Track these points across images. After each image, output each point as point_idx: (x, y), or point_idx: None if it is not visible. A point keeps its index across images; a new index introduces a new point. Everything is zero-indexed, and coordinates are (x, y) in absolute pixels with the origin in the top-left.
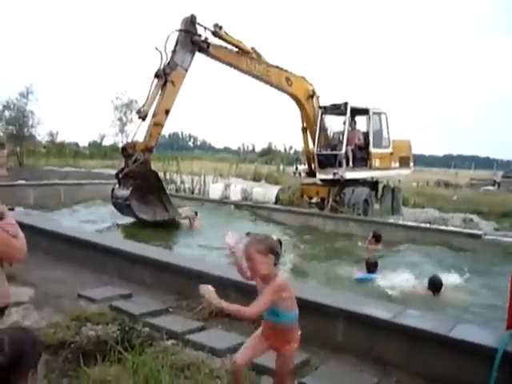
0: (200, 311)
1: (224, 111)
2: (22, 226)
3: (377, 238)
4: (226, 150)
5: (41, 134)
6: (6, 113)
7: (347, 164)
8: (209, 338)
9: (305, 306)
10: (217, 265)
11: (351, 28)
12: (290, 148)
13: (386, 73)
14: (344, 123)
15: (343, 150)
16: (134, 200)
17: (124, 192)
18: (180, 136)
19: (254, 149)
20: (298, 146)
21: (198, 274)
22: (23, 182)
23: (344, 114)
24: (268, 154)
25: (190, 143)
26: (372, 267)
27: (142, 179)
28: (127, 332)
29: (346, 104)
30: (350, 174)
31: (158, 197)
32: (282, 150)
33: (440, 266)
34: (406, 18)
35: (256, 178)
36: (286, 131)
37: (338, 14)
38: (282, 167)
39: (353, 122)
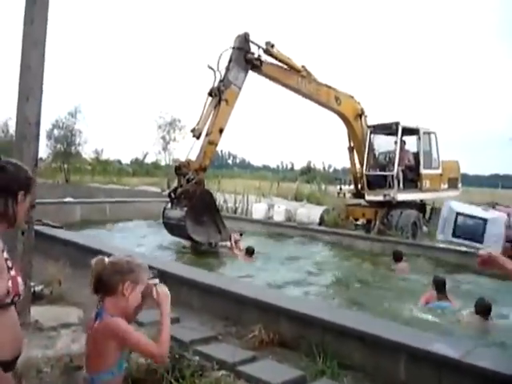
0: (250, 339)
1: (262, 129)
2: (70, 243)
3: (397, 258)
4: (265, 167)
5: (87, 151)
6: (55, 131)
7: (398, 185)
8: (261, 370)
9: (363, 339)
10: (266, 290)
11: (389, 45)
12: (329, 167)
13: (424, 88)
14: (395, 143)
15: (395, 171)
16: (189, 221)
17: (178, 212)
18: (220, 154)
19: (292, 167)
20: (338, 164)
21: (245, 300)
22: (71, 199)
23: (394, 133)
24: (308, 172)
25: (230, 161)
26: (441, 287)
27: (197, 199)
28: (178, 360)
29: (397, 124)
30: (401, 196)
31: (212, 218)
32: (321, 169)
33: (491, 293)
34: (447, 32)
35: (297, 198)
36: (324, 149)
37: (382, 34)
38: (323, 187)
39: (402, 142)
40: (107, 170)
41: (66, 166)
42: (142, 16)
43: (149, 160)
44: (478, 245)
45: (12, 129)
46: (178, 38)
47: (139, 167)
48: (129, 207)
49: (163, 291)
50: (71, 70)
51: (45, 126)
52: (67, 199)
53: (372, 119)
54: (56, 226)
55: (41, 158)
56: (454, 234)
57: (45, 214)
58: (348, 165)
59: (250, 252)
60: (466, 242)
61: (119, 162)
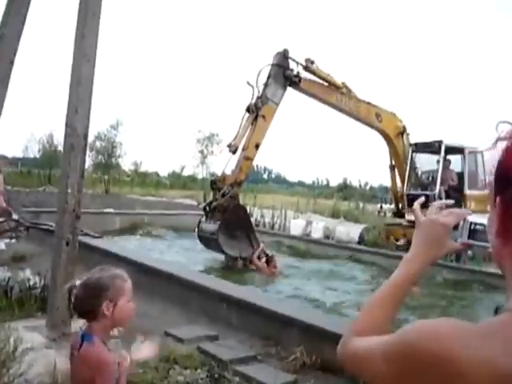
0: (291, 362)
1: (298, 144)
2: (107, 254)
3: None
4: (300, 183)
5: (126, 163)
6: (97, 143)
7: None
8: None
9: None
10: (309, 310)
11: (439, 60)
12: (366, 184)
13: (480, 105)
14: (437, 162)
15: (436, 191)
16: (222, 235)
17: (212, 226)
18: (255, 169)
19: (328, 183)
20: (374, 182)
21: (287, 319)
22: (111, 210)
23: (437, 152)
24: (344, 189)
25: (265, 176)
26: None
27: (231, 214)
28: (217, 380)
29: (440, 142)
30: None
31: (246, 233)
32: (358, 186)
33: None
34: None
35: (334, 215)
36: (360, 166)
37: (428, 49)
38: (361, 205)
39: (446, 162)
40: (145, 182)
41: (106, 177)
42: (183, 31)
43: (186, 173)
44: (486, 244)
45: (57, 140)
46: (218, 53)
47: (177, 180)
48: (166, 219)
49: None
50: (113, 83)
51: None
52: (107, 210)
53: (417, 137)
54: (96, 235)
55: None
56: (469, 237)
57: (85, 224)
58: (386, 183)
59: (269, 261)
60: (479, 243)
61: (157, 174)
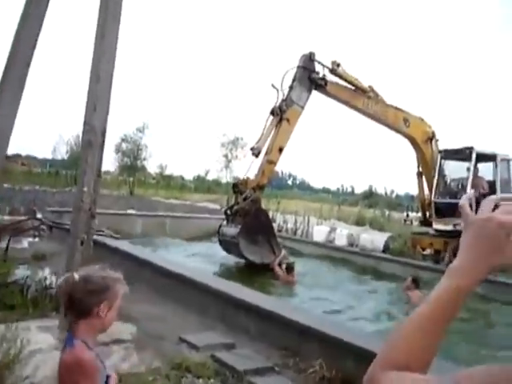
0: (310, 375)
1: (323, 150)
2: (127, 256)
3: (416, 284)
4: (325, 190)
5: (151, 166)
6: (124, 145)
7: None
8: None
9: None
10: (330, 321)
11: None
12: (392, 192)
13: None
14: (468, 169)
15: None
16: (243, 239)
17: (232, 230)
18: (280, 174)
19: (353, 191)
20: (400, 190)
21: (306, 330)
22: (133, 211)
23: (467, 159)
24: (369, 196)
25: (289, 182)
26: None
27: (252, 218)
28: None
29: (470, 149)
30: None
31: (267, 238)
32: (383, 194)
33: None
34: None
35: (359, 222)
36: (385, 174)
37: (461, 54)
38: (387, 212)
39: (476, 169)
40: (170, 185)
41: (131, 178)
42: (208, 34)
43: (210, 177)
44: None
45: None
46: (243, 57)
47: (201, 184)
48: (188, 223)
49: None
50: (140, 86)
51: (114, 140)
52: (129, 211)
53: (446, 143)
54: (115, 236)
55: (108, 171)
56: None
57: (107, 225)
58: (412, 191)
59: (289, 269)
60: None
61: (182, 177)
